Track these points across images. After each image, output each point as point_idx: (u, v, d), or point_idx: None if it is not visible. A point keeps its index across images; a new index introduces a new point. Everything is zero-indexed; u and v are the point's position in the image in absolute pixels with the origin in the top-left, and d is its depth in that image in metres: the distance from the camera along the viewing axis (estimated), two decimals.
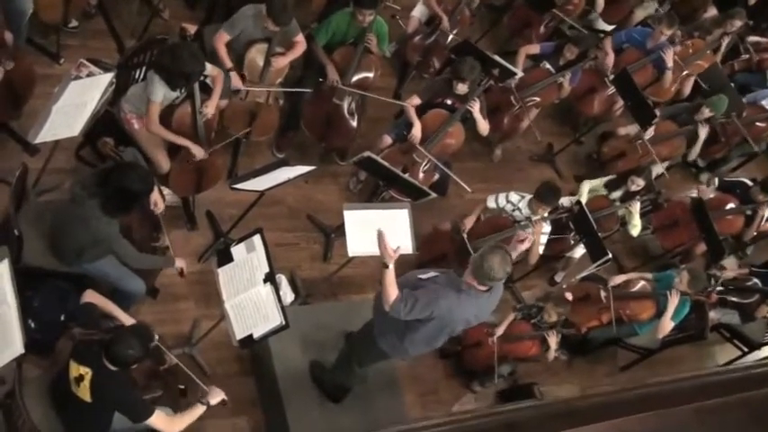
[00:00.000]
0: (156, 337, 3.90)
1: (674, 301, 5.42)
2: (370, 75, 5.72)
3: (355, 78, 5.64)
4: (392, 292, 3.92)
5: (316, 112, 5.74)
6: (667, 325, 5.49)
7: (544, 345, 5.22)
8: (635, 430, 1.67)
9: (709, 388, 1.87)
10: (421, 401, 5.36)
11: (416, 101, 5.68)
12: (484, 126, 5.82)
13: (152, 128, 4.66)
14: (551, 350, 5.18)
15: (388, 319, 4.04)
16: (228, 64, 5.11)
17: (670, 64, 6.72)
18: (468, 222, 5.53)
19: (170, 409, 3.93)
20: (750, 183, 6.70)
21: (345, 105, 5.73)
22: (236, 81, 5.15)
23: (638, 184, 5.99)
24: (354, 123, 5.83)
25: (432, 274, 4.12)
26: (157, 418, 3.68)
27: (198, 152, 4.80)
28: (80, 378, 3.63)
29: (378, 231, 3.95)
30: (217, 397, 3.88)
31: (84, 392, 3.65)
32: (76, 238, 4.12)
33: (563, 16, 7.08)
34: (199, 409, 3.83)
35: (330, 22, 5.61)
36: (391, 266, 3.92)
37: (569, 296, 5.33)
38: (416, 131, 5.57)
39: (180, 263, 4.45)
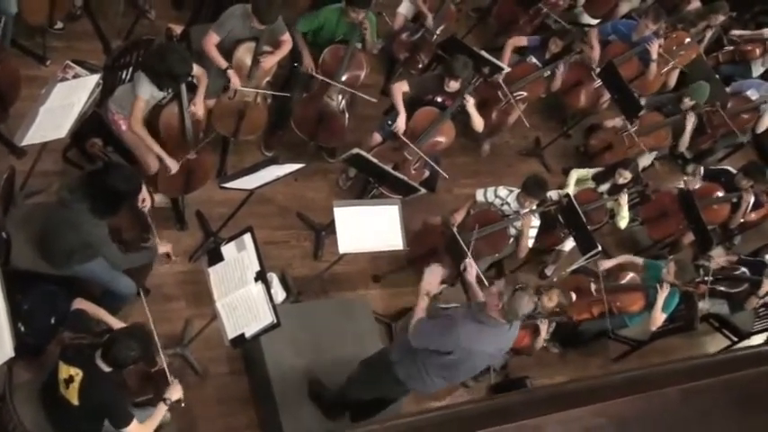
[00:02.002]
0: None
1: (663, 294, 5.46)
2: (361, 73, 5.72)
3: (346, 76, 5.64)
4: (420, 314, 4.06)
5: (306, 110, 5.74)
6: (659, 317, 5.53)
7: (535, 333, 5.23)
8: (622, 412, 1.70)
9: (695, 371, 1.89)
10: (415, 396, 5.35)
11: (405, 87, 5.65)
12: (478, 121, 5.83)
13: (134, 126, 4.63)
14: (540, 338, 5.18)
15: (409, 346, 4.08)
16: (224, 63, 5.10)
17: (655, 56, 6.76)
18: (458, 216, 5.54)
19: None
20: (734, 171, 6.76)
21: (336, 103, 5.73)
22: (234, 79, 5.14)
23: (624, 176, 6.03)
24: (345, 121, 5.83)
25: (453, 305, 4.20)
26: (134, 427, 3.71)
27: (173, 166, 4.77)
28: (70, 379, 3.63)
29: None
30: (176, 393, 3.89)
31: (72, 394, 3.64)
32: (66, 241, 4.11)
33: (549, 11, 7.11)
34: (162, 409, 3.86)
35: (318, 15, 5.62)
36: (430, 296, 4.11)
37: (573, 296, 5.35)
38: (401, 122, 5.57)
39: (164, 248, 4.41)
